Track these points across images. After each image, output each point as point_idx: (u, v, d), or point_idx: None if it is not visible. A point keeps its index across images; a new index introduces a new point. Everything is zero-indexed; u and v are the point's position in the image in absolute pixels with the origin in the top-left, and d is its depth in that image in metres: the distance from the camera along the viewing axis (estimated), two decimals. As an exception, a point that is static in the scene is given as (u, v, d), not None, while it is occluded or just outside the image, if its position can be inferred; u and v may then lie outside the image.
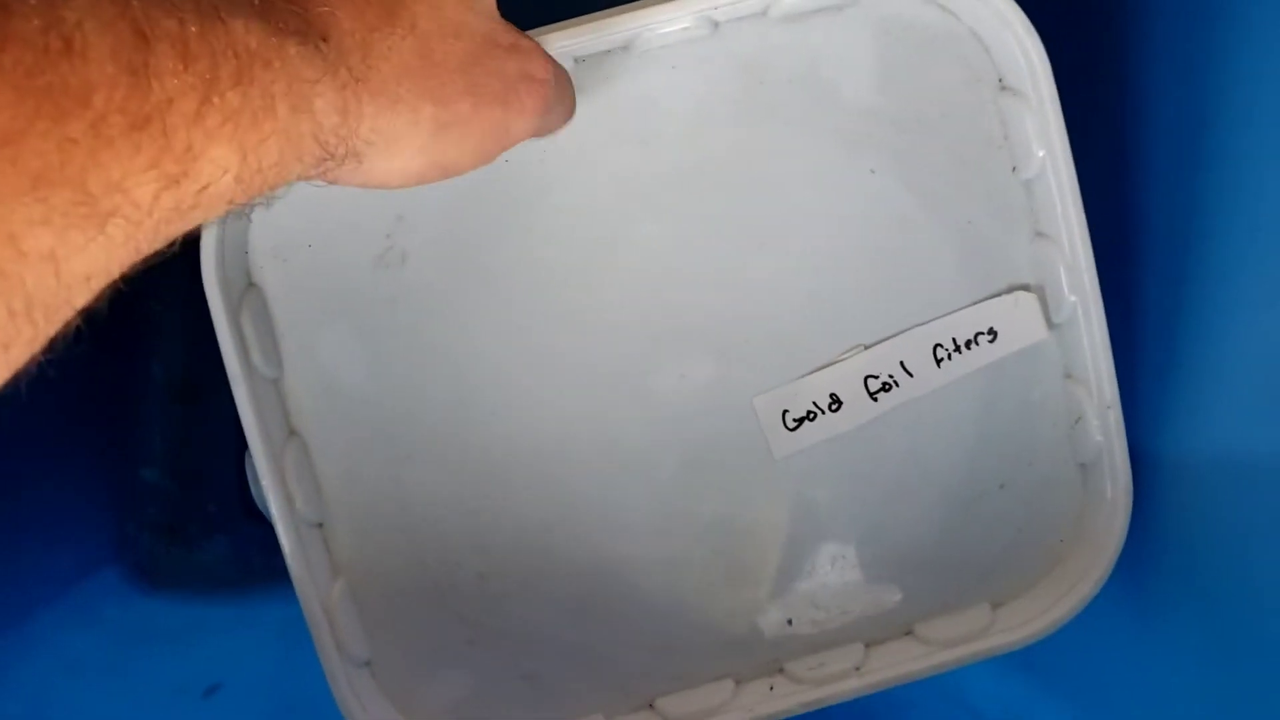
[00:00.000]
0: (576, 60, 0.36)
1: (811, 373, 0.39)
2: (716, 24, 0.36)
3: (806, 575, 0.40)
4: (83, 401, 0.47)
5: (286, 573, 0.37)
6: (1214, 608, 0.40)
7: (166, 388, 0.48)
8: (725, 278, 0.38)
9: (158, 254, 0.21)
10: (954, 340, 0.39)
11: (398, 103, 0.25)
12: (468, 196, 0.37)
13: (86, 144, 0.18)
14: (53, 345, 0.20)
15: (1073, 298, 0.38)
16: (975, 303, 0.39)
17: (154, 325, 0.48)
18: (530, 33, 0.32)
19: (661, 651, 0.40)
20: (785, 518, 0.40)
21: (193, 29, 0.20)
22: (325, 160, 0.24)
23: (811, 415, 0.39)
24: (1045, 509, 0.41)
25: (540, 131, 0.31)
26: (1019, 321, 0.39)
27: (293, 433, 0.37)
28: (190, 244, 0.34)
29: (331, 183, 0.26)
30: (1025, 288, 0.39)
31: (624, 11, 0.35)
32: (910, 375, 0.39)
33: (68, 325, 0.20)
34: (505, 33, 0.29)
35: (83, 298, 0.20)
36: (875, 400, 0.39)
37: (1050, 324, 0.39)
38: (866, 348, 0.39)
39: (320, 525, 0.38)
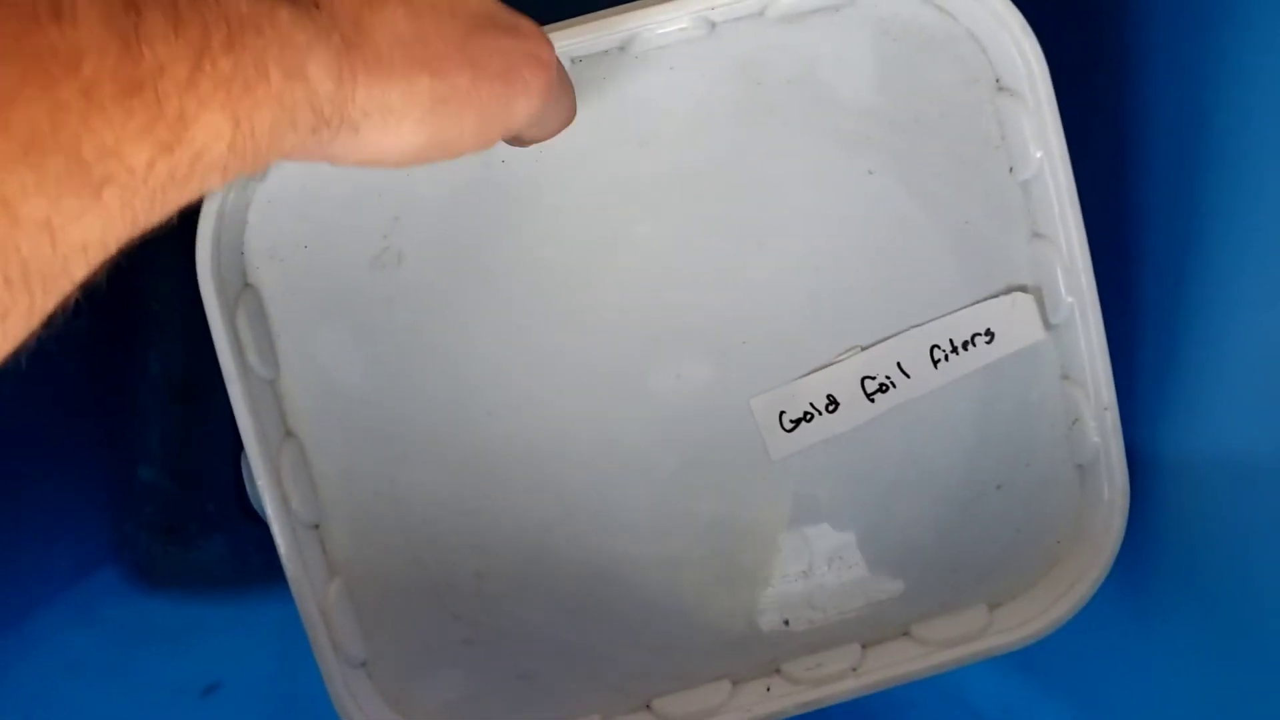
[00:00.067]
0: (574, 60, 0.36)
1: (808, 374, 0.39)
2: (714, 24, 0.36)
3: (804, 576, 0.40)
4: (81, 401, 0.47)
5: (284, 572, 0.37)
6: (1212, 608, 0.40)
7: (165, 387, 0.48)
8: (723, 278, 0.38)
9: (155, 230, 0.21)
10: (951, 341, 0.39)
11: (392, 73, 0.25)
12: (464, 197, 0.37)
13: (78, 109, 0.18)
14: (52, 321, 0.20)
15: (1070, 299, 0.38)
16: (972, 303, 0.39)
17: (152, 324, 0.48)
18: (527, 32, 0.32)
19: (659, 651, 0.40)
20: (783, 518, 0.40)
21: None
22: (320, 129, 0.23)
23: (808, 416, 0.39)
24: (1043, 510, 0.41)
25: (540, 127, 0.30)
26: (1016, 322, 0.39)
27: (289, 433, 0.37)
28: (188, 243, 0.35)
29: (329, 161, 0.25)
30: (1023, 289, 0.39)
31: (621, 12, 0.35)
32: (907, 376, 0.39)
33: (67, 300, 0.20)
34: (505, 14, 0.29)
35: (81, 269, 0.19)
36: (872, 401, 0.39)
37: (1048, 325, 0.39)
38: (863, 349, 0.39)
39: (317, 525, 0.38)
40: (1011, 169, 0.38)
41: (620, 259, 0.38)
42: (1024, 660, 0.41)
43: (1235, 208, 0.38)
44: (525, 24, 0.29)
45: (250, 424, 0.36)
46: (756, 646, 0.40)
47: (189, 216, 0.34)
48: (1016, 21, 0.36)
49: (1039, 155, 0.37)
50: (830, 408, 0.39)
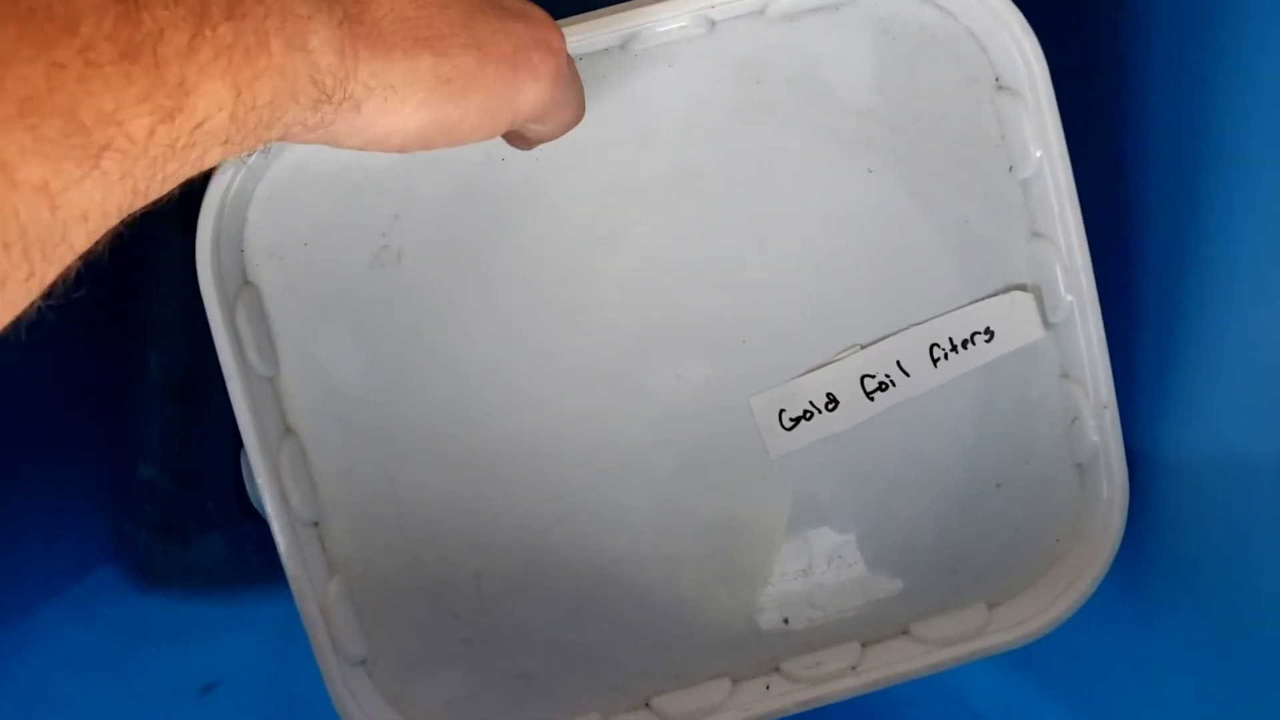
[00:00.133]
0: (574, 59, 0.36)
1: (808, 372, 0.39)
2: (714, 23, 0.36)
3: (803, 574, 0.40)
4: (80, 399, 0.47)
5: (283, 571, 0.37)
6: (1210, 607, 0.40)
7: (164, 386, 0.48)
8: (722, 277, 0.38)
9: (155, 203, 0.21)
10: (950, 340, 0.39)
11: (394, 50, 0.25)
12: (464, 196, 0.37)
13: (75, 71, 0.18)
14: (52, 291, 0.20)
15: (1069, 297, 0.38)
16: (972, 302, 0.39)
17: (152, 323, 0.47)
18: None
19: (659, 651, 0.40)
20: (782, 517, 0.40)
21: None
22: (322, 104, 0.23)
23: (808, 415, 0.39)
24: (1042, 508, 0.41)
25: (547, 122, 0.30)
26: (1016, 321, 0.39)
27: (288, 431, 0.37)
28: (188, 241, 0.35)
29: (331, 143, 0.25)
30: (1022, 287, 0.39)
31: (621, 10, 0.35)
32: (907, 375, 0.39)
33: (68, 271, 0.20)
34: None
35: (81, 238, 0.19)
36: (872, 400, 0.39)
37: (1047, 324, 0.39)
38: (863, 347, 0.39)
39: (316, 524, 0.38)
40: (1011, 168, 0.38)
41: (619, 258, 0.38)
42: (1023, 659, 0.41)
43: (1234, 207, 0.38)
44: (534, 10, 0.28)
45: (250, 422, 0.36)
46: (756, 645, 0.40)
47: (190, 214, 0.34)
48: (1016, 21, 0.36)
49: (1039, 154, 0.37)
50: (830, 406, 0.39)
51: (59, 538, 0.46)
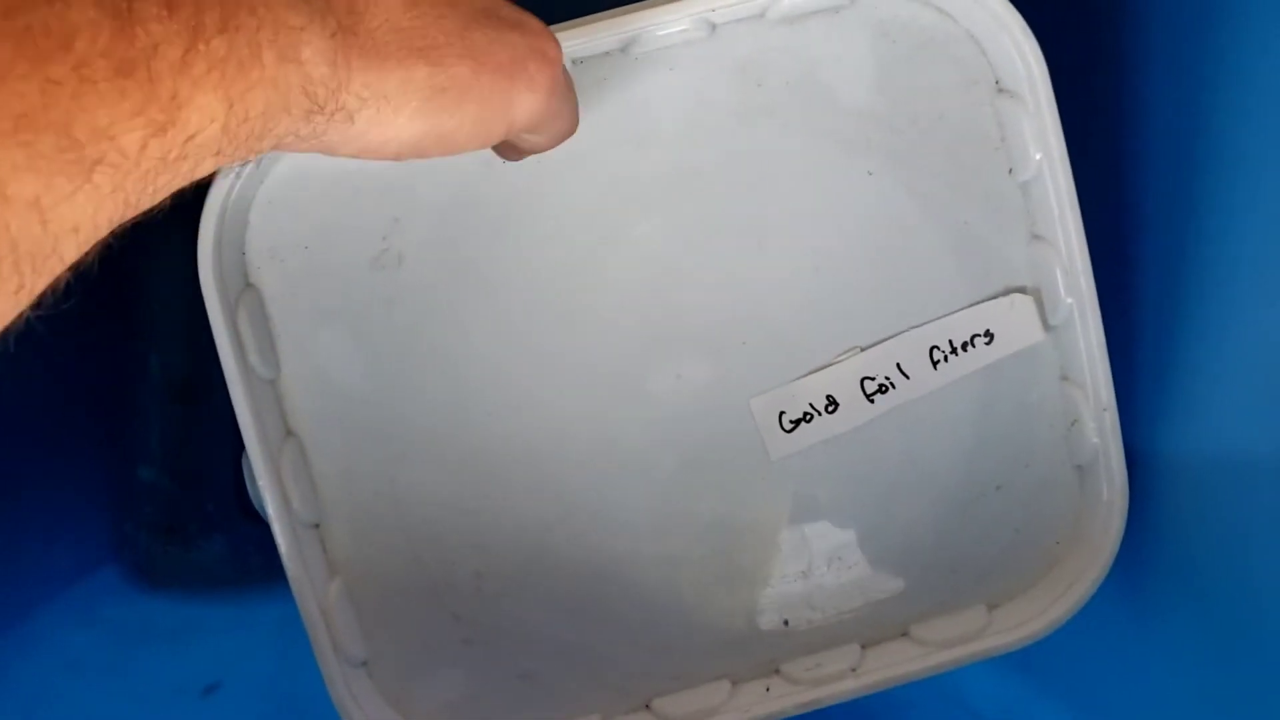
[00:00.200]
0: (574, 62, 0.36)
1: (808, 374, 0.39)
2: (714, 26, 0.36)
3: (803, 576, 0.40)
4: (81, 400, 0.47)
5: (284, 572, 0.37)
6: (1210, 608, 0.40)
7: (165, 387, 0.48)
8: (722, 279, 0.38)
9: (147, 213, 0.21)
10: (950, 342, 0.39)
11: (388, 60, 0.25)
12: (464, 198, 0.37)
13: (70, 87, 0.18)
14: (41, 302, 0.20)
15: (1069, 300, 0.38)
16: (972, 305, 0.39)
17: (152, 325, 0.48)
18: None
19: (659, 651, 0.40)
20: (782, 518, 0.40)
21: None
22: (314, 115, 0.23)
23: (808, 417, 0.39)
24: (1042, 510, 0.41)
25: (541, 132, 0.30)
26: (1015, 323, 0.39)
27: (290, 433, 0.37)
28: (190, 243, 0.35)
29: (325, 152, 0.25)
30: (1022, 290, 0.39)
31: (622, 13, 0.35)
32: (907, 377, 0.39)
33: (57, 282, 0.20)
34: (509, 9, 0.28)
35: (71, 251, 0.19)
36: (872, 402, 0.39)
37: (1047, 326, 0.39)
38: (863, 349, 0.39)
39: (317, 525, 0.38)
40: (1011, 170, 0.38)
41: (619, 260, 0.38)
42: (1023, 661, 0.41)
43: (1234, 209, 0.38)
44: (531, 20, 0.28)
45: (251, 424, 0.36)
46: (756, 646, 0.41)
47: (192, 217, 0.34)
48: (1016, 23, 0.36)
49: (1038, 157, 0.37)
50: (830, 408, 0.39)
51: (60, 538, 0.46)
